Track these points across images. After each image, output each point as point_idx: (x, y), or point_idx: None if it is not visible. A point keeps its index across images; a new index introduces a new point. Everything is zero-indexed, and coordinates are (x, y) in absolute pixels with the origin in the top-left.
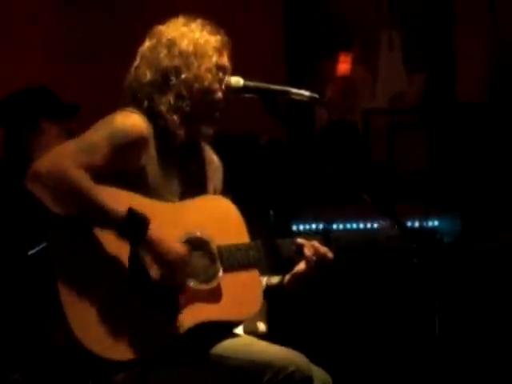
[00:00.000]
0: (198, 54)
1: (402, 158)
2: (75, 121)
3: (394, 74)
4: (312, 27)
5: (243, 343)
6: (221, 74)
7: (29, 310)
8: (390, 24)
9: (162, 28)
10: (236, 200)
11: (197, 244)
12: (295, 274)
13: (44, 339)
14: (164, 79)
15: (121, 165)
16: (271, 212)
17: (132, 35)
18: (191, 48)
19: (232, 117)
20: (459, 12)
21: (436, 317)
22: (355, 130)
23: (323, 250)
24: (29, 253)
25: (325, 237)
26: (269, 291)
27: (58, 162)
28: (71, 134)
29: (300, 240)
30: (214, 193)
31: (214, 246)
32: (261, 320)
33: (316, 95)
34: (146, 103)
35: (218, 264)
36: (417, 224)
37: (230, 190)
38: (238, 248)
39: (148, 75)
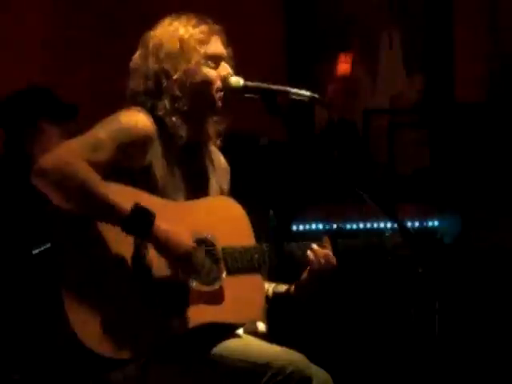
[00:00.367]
0: (185, 50)
1: (402, 158)
2: (75, 121)
3: (394, 74)
4: (312, 27)
5: (243, 343)
6: (213, 63)
7: (30, 309)
8: (389, 24)
9: (149, 34)
10: (236, 200)
11: (202, 245)
12: (300, 282)
13: (45, 339)
14: (156, 85)
15: (126, 163)
16: (271, 212)
17: (132, 35)
18: (177, 47)
19: (232, 117)
20: (459, 12)
21: (436, 317)
22: (355, 130)
23: (327, 255)
24: (33, 252)
25: (331, 243)
26: (275, 299)
27: (64, 157)
28: (71, 134)
29: (312, 247)
30: (222, 194)
31: (218, 247)
32: (261, 320)
33: (316, 95)
34: (147, 107)
35: (222, 266)
36: (417, 224)
37: (231, 190)
38: (242, 251)
39: (141, 85)
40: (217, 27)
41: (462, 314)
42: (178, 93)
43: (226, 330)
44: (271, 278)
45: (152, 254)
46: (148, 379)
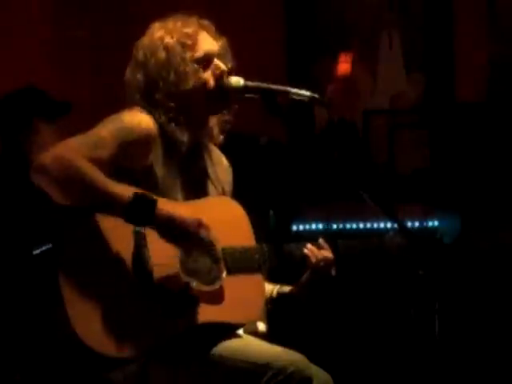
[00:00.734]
0: (171, 60)
1: (402, 158)
2: (69, 118)
3: (394, 73)
4: (312, 27)
5: (243, 343)
6: (204, 64)
7: (30, 309)
8: (389, 24)
9: (137, 44)
10: (236, 200)
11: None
12: (301, 283)
13: (45, 339)
14: (148, 98)
15: (127, 162)
16: (271, 212)
17: (132, 35)
18: (163, 57)
19: (233, 119)
20: (459, 12)
21: (436, 317)
22: (355, 130)
23: (326, 256)
24: (33, 253)
25: (332, 244)
26: (279, 300)
27: (64, 154)
28: (66, 131)
29: (307, 246)
30: (223, 194)
31: (219, 247)
32: (261, 320)
33: (316, 95)
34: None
35: (222, 266)
36: (417, 224)
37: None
38: (242, 251)
39: (135, 98)
40: (204, 23)
41: (462, 315)
42: (171, 104)
43: (226, 330)
44: (271, 279)
45: (152, 253)
46: (148, 379)
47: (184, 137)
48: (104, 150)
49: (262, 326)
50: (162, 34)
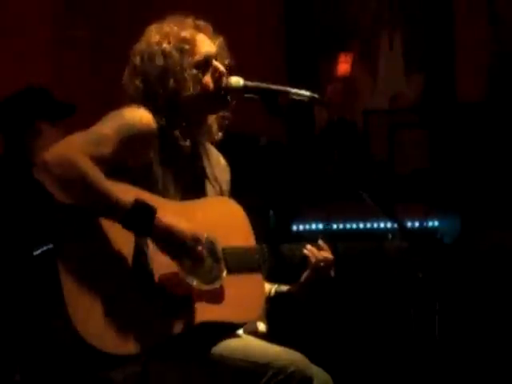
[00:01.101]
0: (170, 66)
1: (402, 158)
2: (72, 120)
3: (394, 73)
4: (312, 27)
5: (243, 343)
6: (203, 67)
7: (31, 310)
8: (390, 24)
9: (134, 49)
10: (236, 200)
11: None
12: (301, 283)
13: (45, 339)
14: (148, 104)
15: (129, 158)
16: (271, 212)
17: (133, 35)
18: (161, 64)
19: (232, 117)
20: (459, 12)
21: (436, 317)
22: (355, 130)
23: (325, 256)
24: (34, 253)
25: (331, 247)
26: (277, 299)
27: (67, 151)
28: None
29: (307, 247)
30: (221, 194)
31: (219, 247)
32: (261, 320)
33: (316, 95)
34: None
35: (222, 265)
36: (417, 224)
37: (230, 190)
38: (242, 251)
39: (137, 102)
40: (201, 24)
41: (462, 315)
42: (171, 109)
43: (227, 330)
44: (269, 279)
45: (153, 253)
46: (148, 379)
47: (186, 142)
48: (106, 147)
49: (262, 326)
50: (159, 39)
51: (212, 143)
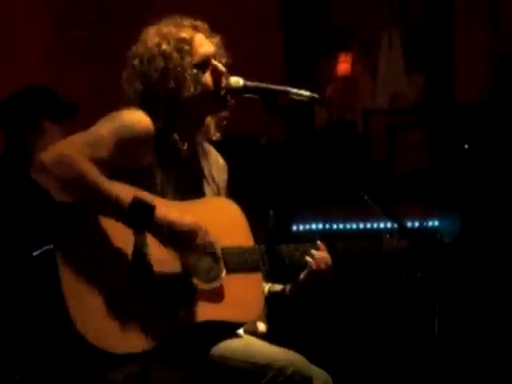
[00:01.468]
0: (170, 67)
1: (402, 159)
2: (75, 120)
3: (394, 73)
4: (312, 27)
5: (243, 344)
6: (203, 67)
7: (31, 310)
8: (389, 24)
9: (132, 51)
10: (236, 200)
11: None
12: (297, 283)
13: (45, 338)
14: (149, 106)
15: (127, 160)
16: (271, 212)
17: (133, 35)
18: (161, 65)
19: (232, 117)
20: (459, 12)
21: (436, 317)
22: (355, 130)
23: (325, 258)
24: (33, 254)
25: (329, 246)
26: (271, 298)
27: (65, 151)
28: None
29: (304, 247)
30: (219, 193)
31: (218, 247)
32: (261, 320)
33: (316, 95)
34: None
35: (222, 265)
36: (417, 224)
37: (229, 190)
38: (242, 251)
39: (136, 104)
40: (198, 24)
41: (462, 315)
42: (171, 111)
43: (227, 330)
44: (267, 279)
45: (153, 251)
46: (148, 379)
47: (184, 145)
48: (104, 150)
49: (262, 326)
50: (158, 40)
51: (211, 143)
